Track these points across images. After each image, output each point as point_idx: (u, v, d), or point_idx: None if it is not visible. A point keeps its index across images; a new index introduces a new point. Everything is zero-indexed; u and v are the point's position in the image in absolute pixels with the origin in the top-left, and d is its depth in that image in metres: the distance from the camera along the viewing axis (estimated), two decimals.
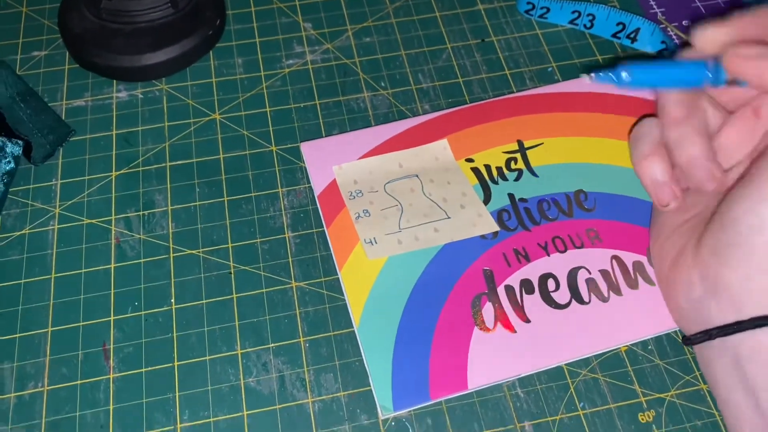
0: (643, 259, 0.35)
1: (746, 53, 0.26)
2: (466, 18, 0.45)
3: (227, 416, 0.31)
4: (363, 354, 0.32)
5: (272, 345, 0.33)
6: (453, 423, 0.31)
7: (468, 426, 0.31)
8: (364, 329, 0.32)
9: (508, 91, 0.42)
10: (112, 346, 0.33)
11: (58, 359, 0.32)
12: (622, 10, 0.43)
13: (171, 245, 0.36)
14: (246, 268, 0.35)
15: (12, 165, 0.36)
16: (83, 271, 0.35)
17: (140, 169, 0.38)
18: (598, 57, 0.43)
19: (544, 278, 0.34)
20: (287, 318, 0.34)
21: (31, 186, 0.38)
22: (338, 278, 0.34)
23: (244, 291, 0.34)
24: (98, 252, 0.35)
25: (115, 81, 0.42)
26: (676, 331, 0.33)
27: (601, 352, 0.32)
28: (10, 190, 0.37)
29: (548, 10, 0.44)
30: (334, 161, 0.38)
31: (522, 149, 0.38)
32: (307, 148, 0.38)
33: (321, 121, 0.40)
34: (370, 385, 0.32)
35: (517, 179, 0.37)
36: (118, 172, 0.38)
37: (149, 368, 0.32)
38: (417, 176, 0.37)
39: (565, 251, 0.35)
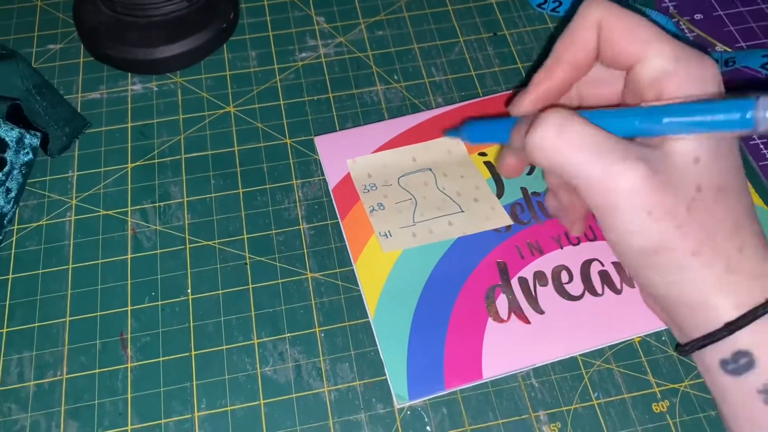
0: None
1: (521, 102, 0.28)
2: (479, 11, 0.45)
3: (244, 405, 0.31)
4: (378, 344, 0.32)
5: (288, 335, 0.33)
6: (468, 412, 0.31)
7: (483, 415, 0.31)
8: (379, 320, 0.33)
9: (521, 84, 0.42)
10: (129, 336, 0.33)
11: (76, 348, 0.33)
12: (634, 4, 0.43)
13: (187, 236, 0.36)
14: (261, 258, 0.35)
15: (30, 156, 0.36)
16: (100, 261, 0.35)
17: (156, 161, 0.39)
18: None
19: (557, 270, 0.34)
20: (303, 308, 0.34)
21: (47, 178, 0.38)
22: (353, 269, 0.35)
23: (259, 281, 0.35)
24: (115, 243, 0.36)
25: (129, 74, 0.42)
26: None
27: (614, 342, 0.33)
28: (28, 181, 0.37)
29: (560, 3, 0.44)
30: (348, 155, 0.38)
31: None
32: (321, 142, 0.39)
33: (335, 114, 0.40)
34: (385, 375, 0.32)
35: (529, 173, 0.38)
36: (133, 164, 0.38)
37: (166, 357, 0.33)
38: (430, 170, 0.38)
39: (578, 244, 0.35)
